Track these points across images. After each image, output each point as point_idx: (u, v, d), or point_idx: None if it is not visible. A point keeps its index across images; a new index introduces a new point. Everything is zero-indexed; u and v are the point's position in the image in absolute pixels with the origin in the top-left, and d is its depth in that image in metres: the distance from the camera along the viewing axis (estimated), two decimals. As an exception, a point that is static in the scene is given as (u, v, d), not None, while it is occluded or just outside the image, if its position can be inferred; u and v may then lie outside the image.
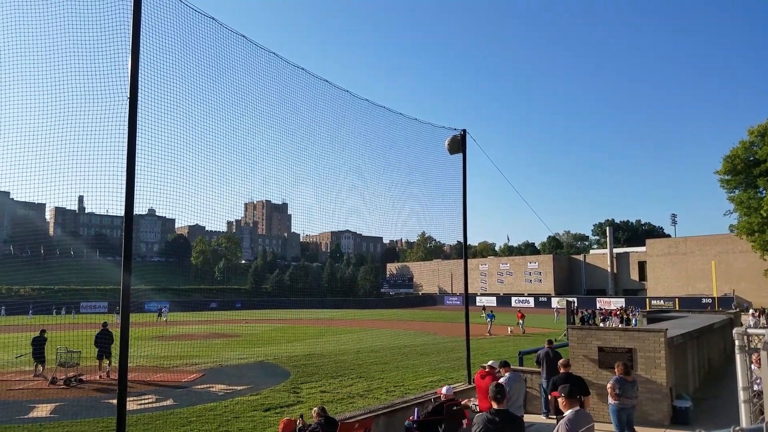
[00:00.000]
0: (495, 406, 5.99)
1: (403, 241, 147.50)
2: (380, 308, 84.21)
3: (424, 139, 14.40)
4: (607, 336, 13.03)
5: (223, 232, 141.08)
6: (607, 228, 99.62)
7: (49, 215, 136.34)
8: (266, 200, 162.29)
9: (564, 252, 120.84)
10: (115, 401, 14.38)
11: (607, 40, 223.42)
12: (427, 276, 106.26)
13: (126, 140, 7.47)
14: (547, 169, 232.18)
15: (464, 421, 10.56)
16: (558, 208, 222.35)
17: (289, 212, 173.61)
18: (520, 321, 39.12)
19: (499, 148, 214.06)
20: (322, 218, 13.82)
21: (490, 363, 11.20)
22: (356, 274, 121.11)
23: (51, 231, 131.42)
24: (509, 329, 38.50)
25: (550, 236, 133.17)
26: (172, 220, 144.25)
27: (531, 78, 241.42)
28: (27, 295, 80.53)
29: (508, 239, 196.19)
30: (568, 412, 6.25)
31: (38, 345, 19.11)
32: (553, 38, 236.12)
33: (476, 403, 11.59)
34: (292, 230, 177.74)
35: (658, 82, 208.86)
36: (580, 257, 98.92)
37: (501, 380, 10.10)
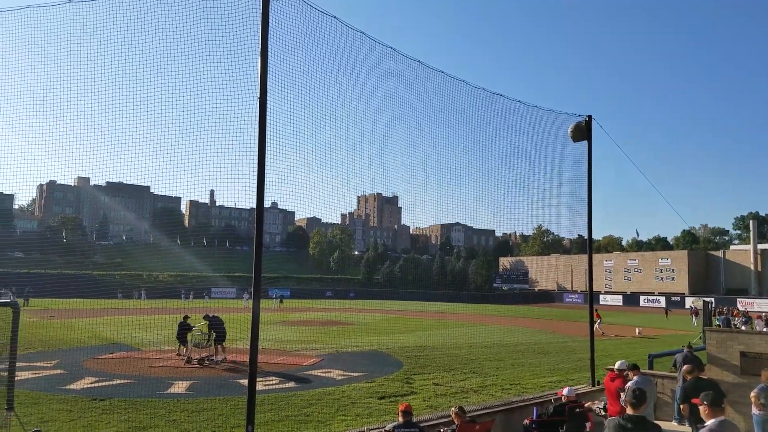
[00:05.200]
0: (630, 411, 5.60)
1: (517, 234, 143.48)
2: (493, 303, 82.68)
3: (544, 126, 13.79)
4: (752, 340, 11.64)
5: (337, 224, 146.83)
6: (751, 222, 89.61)
7: (184, 208, 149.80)
8: (378, 193, 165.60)
9: (700, 247, 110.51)
10: (243, 381, 15.52)
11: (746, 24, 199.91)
12: (545, 271, 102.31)
13: (257, 138, 7.83)
14: (681, 158, 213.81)
15: (587, 424, 10.02)
16: (694, 199, 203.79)
17: (399, 205, 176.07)
18: (598, 321, 36.44)
19: (628, 135, 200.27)
20: (431, 211, 13.79)
21: (618, 364, 10.50)
22: (467, 268, 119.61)
23: (186, 222, 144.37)
24: (637, 330, 35.99)
25: (684, 230, 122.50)
26: (293, 213, 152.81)
27: (663, 63, 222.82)
28: (165, 281, 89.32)
29: (637, 233, 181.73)
30: (711, 422, 5.65)
31: (182, 329, 20.90)
32: (689, 20, 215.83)
33: (600, 407, 10.95)
34: (403, 222, 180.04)
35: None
36: (719, 253, 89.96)
37: (628, 384, 9.45)
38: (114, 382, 15.49)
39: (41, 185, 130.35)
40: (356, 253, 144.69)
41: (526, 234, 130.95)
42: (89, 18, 8.93)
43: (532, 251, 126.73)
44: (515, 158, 14.29)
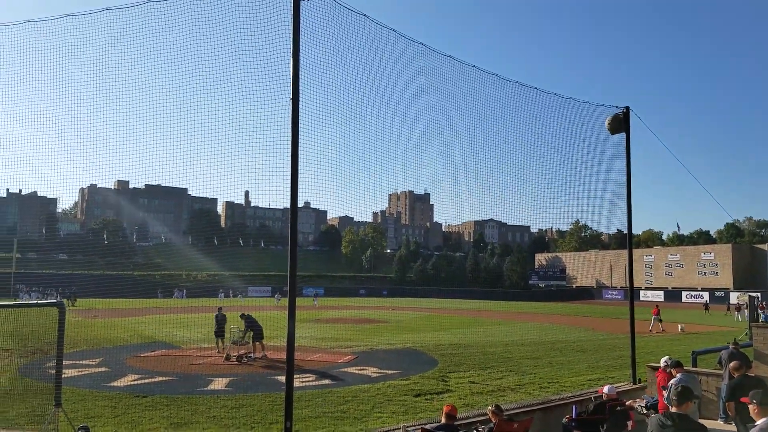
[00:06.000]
0: (674, 408, 5.46)
1: (553, 230, 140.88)
2: (529, 300, 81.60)
3: (580, 119, 13.49)
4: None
5: (369, 222, 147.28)
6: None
7: (220, 209, 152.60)
8: (409, 191, 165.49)
9: (745, 241, 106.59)
10: (280, 378, 15.71)
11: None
12: (582, 267, 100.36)
13: (290, 139, 7.89)
14: (723, 148, 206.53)
15: (629, 423, 9.80)
16: (738, 191, 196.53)
17: (431, 202, 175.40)
18: (654, 317, 35.41)
19: (667, 126, 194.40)
20: (464, 207, 13.64)
21: (663, 360, 10.27)
22: (502, 265, 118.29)
23: (222, 223, 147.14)
24: (680, 327, 35.01)
25: (728, 223, 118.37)
26: (325, 212, 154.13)
27: (703, 49, 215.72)
28: (203, 280, 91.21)
29: (678, 227, 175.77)
30: (761, 421, 5.46)
31: (219, 322, 21.45)
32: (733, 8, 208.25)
33: (642, 405, 10.70)
34: (435, 220, 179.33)
35: None
36: (765, 247, 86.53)
37: (672, 381, 9.20)
38: (156, 379, 15.90)
39: (82, 189, 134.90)
40: (388, 251, 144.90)
41: (563, 229, 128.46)
42: (126, 24, 9.16)
43: (569, 247, 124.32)
44: (551, 152, 14.06)
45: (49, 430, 8.90)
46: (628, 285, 13.98)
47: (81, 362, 18.19)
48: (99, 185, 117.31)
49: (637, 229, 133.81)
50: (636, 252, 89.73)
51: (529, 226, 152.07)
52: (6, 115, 10.36)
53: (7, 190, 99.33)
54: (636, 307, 13.87)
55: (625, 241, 14.04)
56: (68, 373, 14.86)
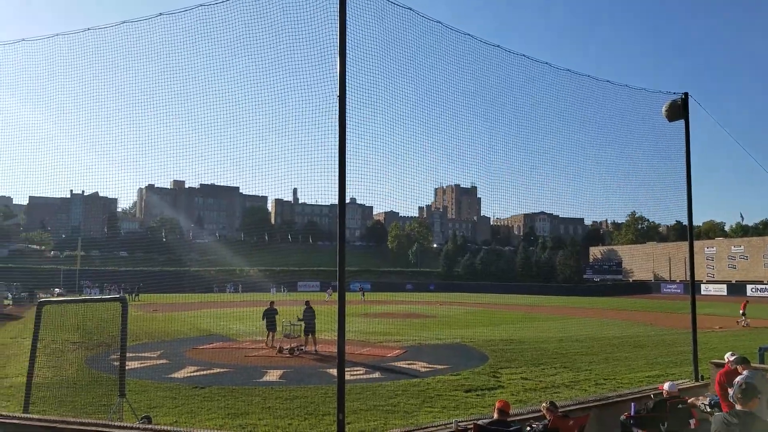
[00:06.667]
0: (738, 406, 5.22)
1: (608, 222, 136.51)
2: (583, 295, 79.53)
3: (635, 106, 12.98)
4: None
5: (415, 217, 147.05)
6: None
7: (270, 206, 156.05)
8: (456, 185, 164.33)
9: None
10: (331, 371, 15.95)
11: None
12: (639, 261, 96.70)
13: (337, 135, 7.95)
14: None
15: (692, 421, 9.40)
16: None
17: (478, 195, 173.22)
18: (742, 312, 33.65)
19: (730, 112, 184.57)
20: (513, 200, 13.34)
21: (726, 356, 9.82)
22: (554, 259, 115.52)
23: (272, 220, 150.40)
24: (744, 321, 33.33)
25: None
26: (371, 208, 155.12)
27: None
28: (255, 276, 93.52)
29: (742, 217, 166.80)
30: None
31: (270, 316, 21.97)
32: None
33: (705, 403, 10.25)
34: (482, 214, 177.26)
35: None
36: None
37: (737, 378, 8.77)
38: (213, 371, 16.44)
39: (141, 189, 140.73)
40: (435, 245, 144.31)
41: (619, 221, 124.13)
42: (179, 29, 9.46)
43: (626, 240, 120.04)
44: (604, 141, 13.59)
45: (114, 419, 9.33)
46: (688, 278, 13.39)
47: (142, 354, 19.00)
48: (156, 185, 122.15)
49: (698, 220, 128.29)
50: (697, 244, 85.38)
51: (583, 219, 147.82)
52: (68, 121, 10.92)
53: (71, 191, 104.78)
54: (697, 301, 13.27)
55: (685, 232, 13.44)
56: (131, 365, 15.55)
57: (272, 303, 23.07)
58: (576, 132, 13.08)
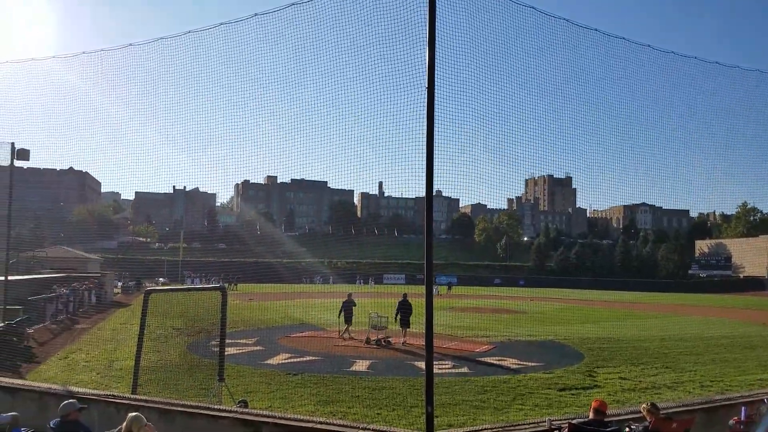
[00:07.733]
0: None
1: (716, 213, 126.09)
2: (688, 292, 74.19)
3: (747, 89, 11.80)
4: None
5: (503, 209, 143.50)
6: None
7: (356, 200, 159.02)
8: (549, 175, 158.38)
9: None
10: (418, 363, 15.96)
11: None
12: (751, 255, 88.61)
13: (425, 128, 7.86)
14: None
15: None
16: None
17: (573, 186, 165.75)
18: None
19: None
20: (612, 191, 12.63)
21: None
22: (656, 253, 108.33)
23: (359, 213, 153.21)
24: None
25: None
26: (457, 200, 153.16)
27: None
28: (343, 268, 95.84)
29: None
30: None
31: (348, 309, 22.24)
32: None
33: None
34: (578, 205, 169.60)
35: None
36: None
37: None
38: (304, 359, 17.04)
39: (237, 184, 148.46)
40: (525, 239, 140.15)
41: (728, 213, 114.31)
42: (271, 28, 9.80)
43: (736, 233, 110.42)
44: (712, 127, 12.49)
45: (213, 402, 9.88)
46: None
47: (239, 341, 20.04)
48: (252, 181, 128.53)
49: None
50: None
51: (688, 210, 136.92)
52: (174, 123, 11.70)
53: (174, 187, 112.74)
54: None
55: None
56: (229, 351, 16.42)
57: (350, 295, 23.29)
58: (680, 117, 12.11)
